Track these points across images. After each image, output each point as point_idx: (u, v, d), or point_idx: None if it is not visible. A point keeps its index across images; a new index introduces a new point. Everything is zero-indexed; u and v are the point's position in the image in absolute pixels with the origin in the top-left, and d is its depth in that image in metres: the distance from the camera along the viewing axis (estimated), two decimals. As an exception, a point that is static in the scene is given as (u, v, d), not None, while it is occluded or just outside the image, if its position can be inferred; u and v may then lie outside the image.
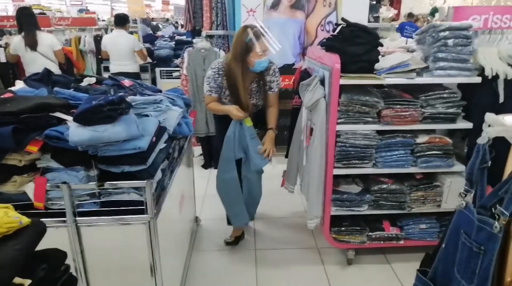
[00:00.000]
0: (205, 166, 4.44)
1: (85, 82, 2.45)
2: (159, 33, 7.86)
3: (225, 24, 4.40)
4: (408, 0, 9.82)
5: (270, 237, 2.98)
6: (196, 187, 3.19)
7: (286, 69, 4.29)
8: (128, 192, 1.69)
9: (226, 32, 4.37)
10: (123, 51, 5.08)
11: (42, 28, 4.52)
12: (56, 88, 2.16)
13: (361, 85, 2.35)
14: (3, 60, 4.33)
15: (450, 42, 2.24)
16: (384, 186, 2.48)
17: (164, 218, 1.87)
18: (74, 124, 1.56)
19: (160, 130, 1.82)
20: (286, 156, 3.02)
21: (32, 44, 4.24)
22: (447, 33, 2.25)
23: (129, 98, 1.89)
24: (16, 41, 4.29)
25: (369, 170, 2.44)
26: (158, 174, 1.81)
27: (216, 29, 4.38)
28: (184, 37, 6.18)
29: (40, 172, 1.67)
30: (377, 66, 2.37)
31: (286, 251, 2.79)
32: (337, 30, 2.45)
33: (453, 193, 2.43)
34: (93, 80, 2.47)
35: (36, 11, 6.41)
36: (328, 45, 2.49)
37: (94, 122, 1.55)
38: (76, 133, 1.52)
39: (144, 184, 1.65)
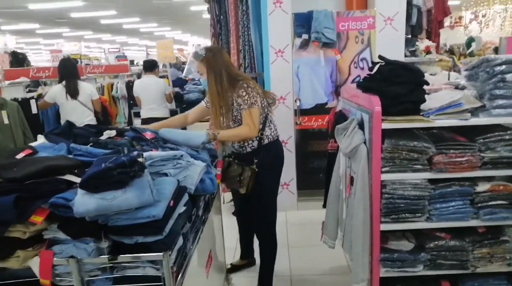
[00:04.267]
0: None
1: (105, 135, 2.32)
2: (189, 76, 7.92)
3: (253, 66, 4.28)
4: (442, 31, 9.57)
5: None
6: (225, 238, 2.93)
7: (319, 109, 4.10)
8: (143, 266, 1.46)
9: (255, 74, 4.24)
10: (153, 96, 5.11)
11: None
12: (72, 145, 2.03)
13: (406, 128, 2.08)
14: (35, 111, 4.38)
15: (509, 77, 1.96)
16: (442, 242, 2.13)
17: (187, 291, 1.63)
18: (80, 192, 1.38)
19: (179, 191, 1.60)
20: (324, 206, 2.73)
21: (73, 93, 4.38)
22: (504, 67, 1.96)
23: (146, 155, 1.70)
24: (57, 90, 4.40)
25: (422, 224, 2.12)
26: (179, 242, 1.58)
27: (245, 71, 4.27)
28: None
29: (46, 244, 1.49)
30: (423, 106, 2.10)
31: (330, 318, 2.47)
32: (375, 69, 2.22)
33: (526, 250, 2.06)
34: (113, 133, 2.33)
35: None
36: (366, 85, 2.26)
37: (103, 188, 1.36)
38: (82, 202, 1.33)
39: (160, 257, 1.42)
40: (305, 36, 3.98)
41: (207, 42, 23.77)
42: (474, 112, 2.04)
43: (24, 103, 4.17)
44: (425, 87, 2.18)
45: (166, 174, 1.67)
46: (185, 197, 1.64)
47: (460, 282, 2.23)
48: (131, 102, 6.67)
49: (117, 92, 6.67)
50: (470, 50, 8.63)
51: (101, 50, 21.29)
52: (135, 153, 1.56)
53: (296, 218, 3.91)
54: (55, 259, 1.45)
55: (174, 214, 1.52)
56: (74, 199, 1.36)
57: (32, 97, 4.37)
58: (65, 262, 1.45)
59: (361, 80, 2.41)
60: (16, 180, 1.44)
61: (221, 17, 4.34)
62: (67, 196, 1.43)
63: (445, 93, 2.22)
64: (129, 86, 7.11)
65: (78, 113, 4.41)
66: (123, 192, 1.36)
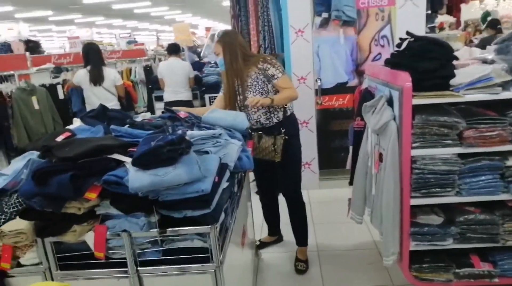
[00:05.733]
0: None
1: (140, 117, 2.40)
2: (205, 60, 7.92)
3: (273, 47, 4.29)
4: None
5: (339, 274, 2.72)
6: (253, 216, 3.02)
7: (340, 88, 4.10)
8: (191, 238, 1.55)
9: (275, 55, 4.26)
10: (179, 78, 5.15)
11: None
12: (112, 126, 2.11)
13: (436, 104, 2.10)
14: (62, 97, 4.47)
15: (540, 49, 1.96)
16: (471, 216, 2.17)
17: (229, 262, 1.71)
18: (133, 169, 1.45)
19: (222, 168, 1.67)
20: (350, 183, 2.78)
21: (97, 79, 4.42)
22: (535, 39, 1.97)
23: (188, 134, 1.77)
24: (82, 74, 4.43)
25: (452, 198, 2.16)
26: (222, 216, 1.66)
27: (265, 52, 4.28)
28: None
29: (99, 220, 1.58)
30: (452, 82, 2.11)
31: (359, 291, 2.54)
32: (403, 45, 2.23)
33: (557, 222, 2.10)
34: (148, 115, 2.42)
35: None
36: (394, 62, 2.27)
37: (154, 165, 1.43)
38: (136, 178, 1.41)
39: (208, 230, 1.51)
40: (325, 15, 3.96)
41: (217, 24, 23.57)
42: (504, 86, 2.05)
43: (51, 89, 4.25)
44: (454, 62, 2.20)
45: (207, 152, 1.74)
46: (227, 174, 1.71)
47: (489, 255, 2.27)
48: (150, 86, 6.73)
49: (135, 77, 6.73)
50: (486, 24, 8.45)
51: (112, 35, 21.31)
52: (180, 132, 1.63)
53: (319, 196, 3.97)
54: (108, 233, 1.54)
55: (219, 189, 1.59)
56: (128, 176, 1.44)
57: (59, 83, 4.45)
58: (118, 236, 1.55)
59: (382, 57, 2.42)
60: (70, 159, 1.52)
61: (240, -2, 4.33)
62: (118, 173, 1.52)
63: (473, 67, 2.22)
64: (147, 70, 7.18)
65: (102, 99, 4.45)
66: (174, 168, 1.43)
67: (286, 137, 2.62)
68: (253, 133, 2.70)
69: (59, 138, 2.05)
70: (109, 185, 1.50)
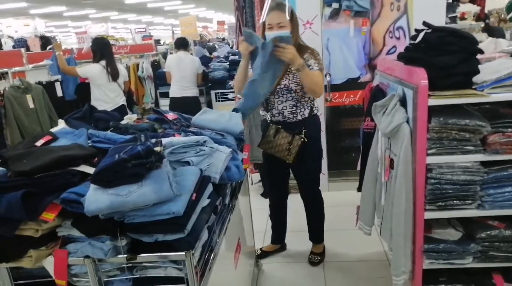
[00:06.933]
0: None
1: (126, 120, 2.20)
2: (214, 54, 7.71)
3: (280, 39, 4.03)
4: (480, -6, 8.86)
5: (345, 288, 2.49)
6: (254, 221, 2.78)
7: (351, 84, 3.83)
8: (164, 266, 1.33)
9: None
10: (188, 73, 4.98)
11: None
12: (90, 130, 1.92)
13: (455, 104, 1.83)
14: (60, 94, 4.31)
15: None
16: (495, 232, 1.90)
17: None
18: (93, 187, 1.24)
19: (203, 182, 1.44)
20: (359, 190, 2.53)
21: (115, 75, 4.29)
22: None
23: (167, 141, 1.55)
24: (97, 70, 4.21)
25: (473, 212, 1.89)
26: (203, 237, 1.44)
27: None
28: (237, 57, 5.93)
29: (60, 242, 1.38)
30: (475, 79, 1.84)
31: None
32: (419, 38, 1.96)
33: None
34: (134, 117, 2.22)
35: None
36: (409, 56, 2.01)
37: (117, 183, 1.22)
38: (93, 199, 1.20)
39: (182, 257, 1.29)
40: (335, 5, 3.68)
41: (231, 18, 23.36)
42: (537, 84, 1.76)
43: (49, 87, 4.10)
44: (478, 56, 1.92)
45: (188, 163, 1.52)
46: (209, 188, 1.48)
47: (514, 274, 2.01)
48: (157, 82, 6.56)
49: (142, 72, 6.56)
50: (511, 15, 7.98)
51: (128, 30, 21.30)
52: (153, 140, 1.41)
53: (328, 200, 3.65)
54: (70, 258, 1.35)
55: (197, 209, 1.36)
56: (86, 196, 1.23)
57: (57, 80, 4.29)
58: (81, 262, 1.35)
59: (397, 51, 2.15)
60: (25, 173, 1.33)
61: (245, -12, 4.09)
62: (80, 190, 1.31)
63: (501, 62, 1.95)
64: (154, 65, 7.00)
65: (115, 95, 4.37)
66: (139, 186, 1.22)
67: (305, 139, 2.45)
68: (271, 124, 2.53)
69: (39, 142, 1.88)
70: (68, 204, 1.30)
